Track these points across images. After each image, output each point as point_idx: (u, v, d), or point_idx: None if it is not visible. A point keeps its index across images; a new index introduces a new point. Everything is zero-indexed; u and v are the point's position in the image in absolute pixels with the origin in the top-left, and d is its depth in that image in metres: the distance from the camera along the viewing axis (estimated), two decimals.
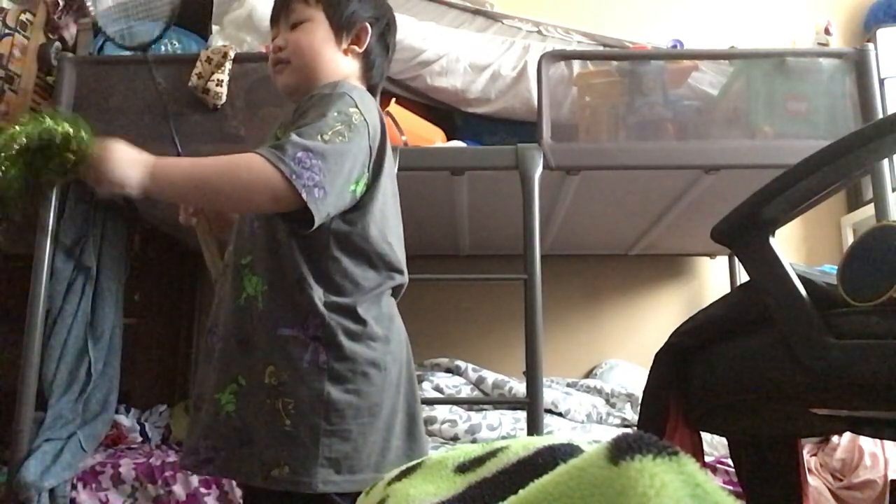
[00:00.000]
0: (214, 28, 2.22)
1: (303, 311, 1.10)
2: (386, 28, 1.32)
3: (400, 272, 1.21)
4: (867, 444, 1.99)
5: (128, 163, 1.04)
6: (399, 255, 1.22)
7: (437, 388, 2.36)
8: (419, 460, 0.66)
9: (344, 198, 1.10)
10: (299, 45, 1.25)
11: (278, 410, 1.08)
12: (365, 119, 1.14)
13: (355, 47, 1.27)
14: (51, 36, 2.50)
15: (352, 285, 1.13)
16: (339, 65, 1.26)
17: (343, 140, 1.09)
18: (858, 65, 2.09)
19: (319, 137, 1.07)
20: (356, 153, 1.11)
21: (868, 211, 2.57)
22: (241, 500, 1.89)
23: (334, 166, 1.07)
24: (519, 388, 2.33)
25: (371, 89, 1.30)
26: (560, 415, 2.32)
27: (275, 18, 1.30)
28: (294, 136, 1.06)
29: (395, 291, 1.23)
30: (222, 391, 1.14)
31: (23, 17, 2.43)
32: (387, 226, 1.19)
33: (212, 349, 1.20)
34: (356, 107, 1.14)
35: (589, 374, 2.87)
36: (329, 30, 1.25)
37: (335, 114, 1.10)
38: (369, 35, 1.28)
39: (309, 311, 1.10)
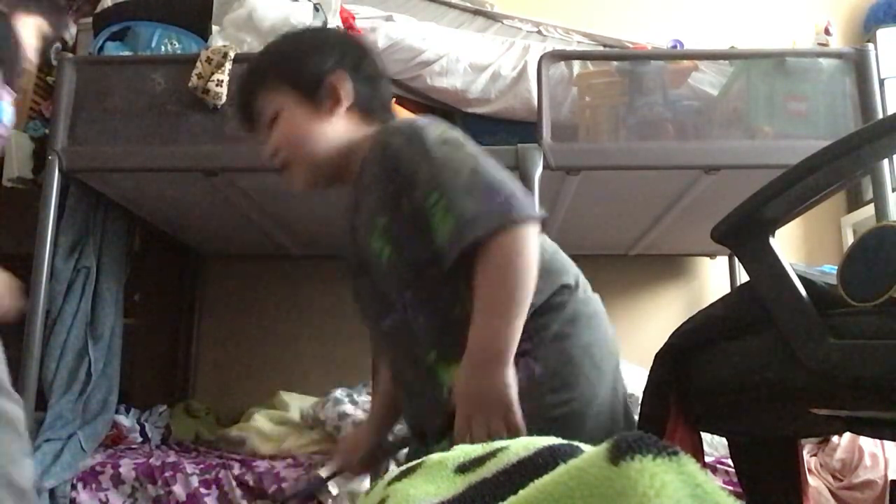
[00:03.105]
0: (214, 28, 2.21)
1: None
2: (358, 60, 1.18)
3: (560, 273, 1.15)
4: (867, 444, 1.99)
5: (506, 383, 0.96)
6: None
7: None
8: (419, 460, 0.66)
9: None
10: (286, 140, 1.15)
11: None
12: (453, 132, 1.09)
13: (338, 107, 1.15)
14: None
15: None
16: (335, 131, 1.15)
17: (474, 156, 1.04)
18: (858, 65, 2.09)
19: (463, 173, 1.01)
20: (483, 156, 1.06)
21: (868, 211, 2.56)
22: (241, 501, 1.89)
23: (497, 175, 1.02)
24: None
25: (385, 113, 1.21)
26: None
27: (247, 121, 1.20)
28: (459, 192, 0.99)
29: (569, 289, 1.15)
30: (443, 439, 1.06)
31: None
32: None
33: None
34: (440, 132, 1.07)
35: None
36: (304, 103, 1.14)
37: (440, 148, 1.03)
38: (344, 84, 1.15)
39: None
